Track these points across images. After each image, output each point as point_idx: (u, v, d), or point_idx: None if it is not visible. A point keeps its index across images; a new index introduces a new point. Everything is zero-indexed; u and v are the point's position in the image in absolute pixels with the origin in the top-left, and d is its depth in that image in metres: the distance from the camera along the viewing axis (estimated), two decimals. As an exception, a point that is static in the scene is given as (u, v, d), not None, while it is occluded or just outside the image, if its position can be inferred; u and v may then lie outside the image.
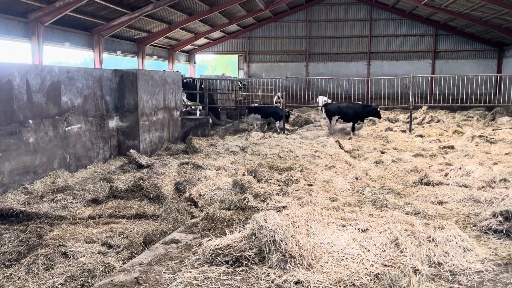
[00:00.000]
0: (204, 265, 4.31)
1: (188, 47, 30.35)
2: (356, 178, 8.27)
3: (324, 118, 16.66)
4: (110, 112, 10.33)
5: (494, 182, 7.88)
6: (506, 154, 11.24)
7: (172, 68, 28.19)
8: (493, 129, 15.86)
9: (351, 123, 15.86)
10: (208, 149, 11.52)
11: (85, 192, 7.27)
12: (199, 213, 6.53)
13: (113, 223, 5.94)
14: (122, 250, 5.06)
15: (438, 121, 19.23)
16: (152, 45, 24.91)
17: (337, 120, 15.80)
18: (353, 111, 15.62)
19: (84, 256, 4.73)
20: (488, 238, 5.19)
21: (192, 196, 7.16)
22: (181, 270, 4.28)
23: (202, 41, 30.26)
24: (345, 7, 30.20)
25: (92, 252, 4.84)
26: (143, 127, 10.85)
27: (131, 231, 5.51)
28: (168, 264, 4.47)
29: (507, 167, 9.37)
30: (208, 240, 4.62)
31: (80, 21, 18.02)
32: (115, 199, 6.87)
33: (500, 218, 5.30)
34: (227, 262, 4.31)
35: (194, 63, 32.95)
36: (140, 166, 9.55)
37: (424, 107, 21.06)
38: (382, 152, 11.55)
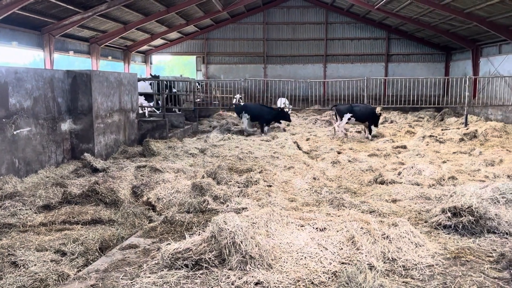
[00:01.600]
0: (163, 270, 4.26)
1: (145, 47, 29.77)
2: (314, 178, 8.43)
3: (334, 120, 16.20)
4: (63, 115, 9.95)
5: (443, 180, 8.28)
6: (454, 153, 11.84)
7: (128, 69, 27.56)
8: (442, 129, 16.66)
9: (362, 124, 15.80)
10: (166, 152, 11.34)
11: (36, 198, 6.95)
12: (158, 217, 6.43)
13: (67, 229, 5.73)
14: (76, 257, 4.88)
15: (392, 121, 19.96)
16: (106, 45, 24.22)
17: (349, 119, 15.45)
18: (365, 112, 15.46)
19: (35, 265, 4.53)
20: (438, 233, 5.45)
21: (150, 200, 7.03)
22: (139, 276, 4.19)
23: (159, 41, 29.78)
24: (301, 10, 30.69)
25: (44, 261, 4.64)
26: (98, 130, 10.53)
27: (86, 237, 5.34)
28: (126, 270, 4.37)
29: (455, 166, 9.87)
30: (167, 244, 4.56)
31: (29, 20, 17.23)
32: (68, 205, 6.62)
33: (449, 214, 5.58)
34: (186, 265, 4.27)
35: (151, 64, 32.35)
36: (95, 170, 9.26)
37: (378, 108, 21.74)
38: (339, 153, 11.83)
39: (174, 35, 29.65)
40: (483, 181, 8.13)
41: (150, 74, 21.18)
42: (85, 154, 9.88)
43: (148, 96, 17.98)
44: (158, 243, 5.15)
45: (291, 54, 30.89)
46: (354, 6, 27.14)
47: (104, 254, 4.94)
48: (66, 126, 10.07)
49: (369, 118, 15.32)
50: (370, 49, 30.51)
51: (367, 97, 16.99)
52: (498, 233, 5.29)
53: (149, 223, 6.16)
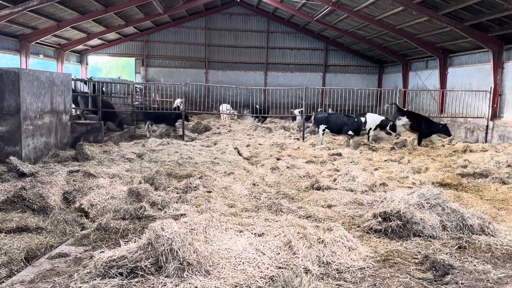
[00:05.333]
0: (95, 279, 4.08)
1: (80, 47, 28.50)
2: (254, 184, 8.51)
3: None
4: (-14, 115, 9.24)
5: (375, 186, 8.72)
6: (385, 160, 12.50)
7: (62, 69, 26.21)
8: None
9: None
10: (101, 156, 10.90)
11: (-48, 205, 6.38)
12: (91, 224, 6.15)
13: (-11, 238, 5.31)
14: (-1, 269, 4.54)
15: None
16: (38, 43, 22.88)
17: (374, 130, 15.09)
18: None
19: (-49, 278, 4.15)
20: (370, 237, 5.72)
21: (83, 206, 6.71)
22: (69, 286, 3.99)
23: (96, 41, 28.65)
24: (243, 18, 31.03)
25: (-38, 273, 4.27)
26: (26, 132, 9.89)
27: (10, 247, 4.98)
28: (55, 280, 4.13)
29: (386, 173, 10.43)
30: (101, 252, 4.38)
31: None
32: (-9, 212, 6.15)
33: (379, 219, 5.88)
34: (121, 274, 4.13)
35: (87, 64, 31.03)
36: (22, 175, 8.67)
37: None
38: (278, 159, 12.04)
39: (112, 35, 28.70)
40: (411, 188, 8.65)
41: (91, 78, 20.25)
42: (11, 157, 9.21)
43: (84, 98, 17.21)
44: (91, 251, 4.93)
45: (233, 61, 31.08)
46: (295, 16, 27.93)
47: (30, 264, 4.64)
48: (-10, 127, 9.36)
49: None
50: (309, 59, 31.49)
51: (305, 106, 17.48)
52: (423, 236, 5.65)
53: (81, 230, 5.88)
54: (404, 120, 15.39)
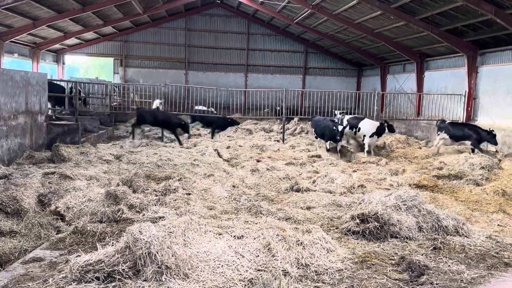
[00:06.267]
0: (71, 284, 4.01)
1: (57, 46, 27.89)
2: (234, 186, 8.51)
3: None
4: (-42, 115, 8.97)
5: (353, 188, 8.83)
6: (363, 162, 12.67)
7: (37, 68, 25.62)
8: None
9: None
10: (78, 158, 10.69)
11: None
12: (67, 227, 6.03)
13: (-41, 243, 5.15)
14: (-30, 274, 4.41)
15: (307, 132, 20.82)
16: (13, 41, 22.29)
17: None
18: None
19: None
20: (348, 239, 5.78)
21: (59, 209, 6.56)
22: (44, 292, 3.90)
23: (73, 41, 28.10)
24: (224, 19, 30.96)
25: None
26: None
27: (-18, 252, 4.84)
28: (29, 286, 4.04)
29: (364, 174, 10.56)
30: (77, 256, 4.31)
31: None
32: (-39, 216, 5.96)
33: (357, 221, 5.96)
34: (98, 278, 4.07)
35: (63, 64, 30.39)
36: (-5, 177, 8.44)
37: (296, 119, 22.61)
38: (258, 161, 12.07)
39: (90, 35, 28.21)
40: (388, 189, 8.79)
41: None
42: (-16, 159, 8.98)
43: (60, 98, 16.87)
44: (67, 255, 4.83)
45: (213, 62, 30.97)
46: (275, 19, 28.03)
47: (3, 269, 4.52)
48: (-39, 127, 9.08)
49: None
50: (289, 61, 31.64)
51: (285, 108, 17.57)
52: (400, 237, 5.75)
53: (57, 234, 5.76)
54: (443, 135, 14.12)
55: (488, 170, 10.92)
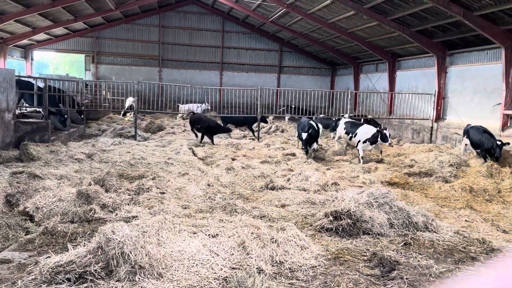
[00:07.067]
0: (41, 286, 3.92)
1: (25, 42, 27.05)
2: (208, 185, 8.48)
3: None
4: None
5: (327, 185, 8.94)
6: (337, 160, 12.84)
7: (4, 64, 24.79)
8: (327, 138, 18.02)
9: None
10: (48, 157, 10.42)
11: None
12: (36, 228, 5.87)
13: None
14: None
15: (282, 130, 20.96)
16: (-22, 36, 21.55)
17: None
18: None
19: None
20: (321, 236, 5.86)
21: (28, 210, 6.38)
22: (12, 294, 3.80)
23: (42, 36, 27.31)
24: (198, 16, 30.75)
25: None
26: (-36, 131, 9.29)
27: None
28: (-4, 289, 3.92)
29: (337, 172, 10.72)
30: (47, 258, 4.21)
31: None
32: None
33: (331, 218, 6.04)
34: (69, 279, 3.99)
35: (32, 60, 29.52)
36: (-41, 177, 8.13)
37: (271, 117, 22.69)
38: (233, 159, 12.06)
39: (60, 30, 27.49)
40: (361, 187, 8.96)
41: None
42: None
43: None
44: (36, 256, 4.71)
45: (187, 60, 30.72)
46: (250, 17, 28.03)
47: (-32, 273, 4.37)
48: None
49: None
50: (264, 59, 31.71)
51: (260, 106, 17.62)
52: (372, 234, 5.87)
53: (25, 235, 5.60)
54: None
55: (456, 168, 11.27)
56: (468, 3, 13.48)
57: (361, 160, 12.45)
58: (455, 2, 13.62)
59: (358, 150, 12.74)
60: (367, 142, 12.49)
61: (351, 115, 17.82)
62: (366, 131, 12.70)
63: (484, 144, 11.84)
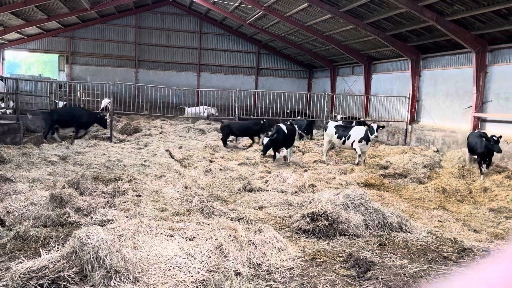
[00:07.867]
0: (12, 293, 3.80)
1: (-4, 41, 26.36)
2: (186, 187, 8.42)
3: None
4: None
5: (304, 187, 9.01)
6: (314, 161, 12.96)
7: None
8: (304, 141, 18.18)
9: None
10: (19, 159, 10.14)
11: None
12: (7, 232, 5.70)
13: None
14: None
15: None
16: None
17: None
18: None
19: None
20: (299, 237, 5.90)
21: (-2, 214, 6.21)
22: (-19, 302, 3.68)
23: (13, 35, 26.60)
24: (175, 17, 30.53)
25: None
26: None
27: None
28: (-36, 297, 3.79)
29: (314, 174, 10.81)
30: (19, 263, 4.10)
31: None
32: None
33: (308, 219, 6.09)
34: (41, 285, 3.89)
35: (3, 59, 28.73)
36: None
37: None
38: (211, 161, 12.02)
39: (33, 30, 26.84)
40: (338, 188, 9.06)
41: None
42: None
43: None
44: (7, 262, 4.58)
45: (164, 61, 30.46)
46: (227, 19, 28.02)
47: None
48: None
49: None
50: (242, 61, 31.73)
51: (238, 108, 17.62)
52: (348, 235, 5.95)
53: (-4, 240, 5.44)
54: None
55: (430, 169, 11.53)
56: (440, 8, 13.84)
57: (361, 160, 12.63)
58: (428, 7, 13.97)
59: (355, 150, 12.87)
60: (363, 141, 12.65)
61: (343, 116, 18.02)
62: (358, 131, 12.97)
63: (479, 147, 11.41)
